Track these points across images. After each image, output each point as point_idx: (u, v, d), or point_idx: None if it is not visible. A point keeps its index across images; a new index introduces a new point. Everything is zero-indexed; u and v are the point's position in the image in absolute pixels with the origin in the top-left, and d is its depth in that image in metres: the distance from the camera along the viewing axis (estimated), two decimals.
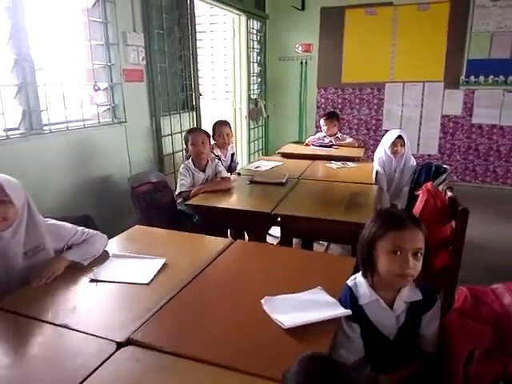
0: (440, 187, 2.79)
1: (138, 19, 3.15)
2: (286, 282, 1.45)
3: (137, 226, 1.99)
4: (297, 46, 5.84)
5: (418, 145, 5.60)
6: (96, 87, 2.75)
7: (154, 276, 1.46)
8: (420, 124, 5.53)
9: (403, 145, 3.20)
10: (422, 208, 2.12)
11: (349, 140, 4.15)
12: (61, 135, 2.55)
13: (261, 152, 5.96)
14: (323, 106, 5.91)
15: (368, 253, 1.23)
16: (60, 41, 2.55)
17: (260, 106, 5.62)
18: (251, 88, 5.44)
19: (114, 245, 1.78)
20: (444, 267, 2.16)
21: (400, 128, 5.55)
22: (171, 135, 3.63)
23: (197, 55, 3.96)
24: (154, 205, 2.61)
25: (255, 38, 5.53)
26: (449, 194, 2.31)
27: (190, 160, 2.69)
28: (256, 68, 5.67)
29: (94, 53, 2.92)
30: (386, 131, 5.86)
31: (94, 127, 2.82)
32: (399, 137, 3.18)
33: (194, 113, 4.03)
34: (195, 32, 3.91)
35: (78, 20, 2.81)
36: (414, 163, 3.28)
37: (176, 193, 2.57)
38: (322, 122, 4.18)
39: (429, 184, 2.25)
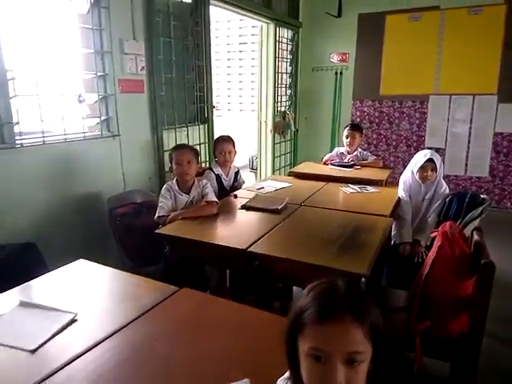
0: (468, 226, 2.29)
1: (139, 26, 2.94)
2: (210, 366, 1.09)
3: (80, 261, 1.71)
4: (332, 55, 5.43)
5: (466, 165, 4.94)
6: (81, 98, 2.56)
7: (49, 338, 1.16)
8: (468, 142, 4.88)
9: (435, 169, 2.66)
10: (434, 258, 1.66)
11: (372, 158, 3.67)
12: (36, 150, 2.37)
13: (289, 167, 5.57)
14: (358, 119, 5.43)
15: (290, 351, 0.81)
16: (45, 49, 2.39)
17: (288, 118, 5.25)
18: (279, 100, 5.10)
19: (35, 286, 1.51)
20: (463, 333, 1.67)
21: (444, 147, 4.96)
22: None
23: (211, 66, 3.70)
24: (131, 230, 2.34)
25: (287, 48, 5.21)
26: (475, 237, 1.82)
27: (175, 181, 2.39)
28: (287, 79, 5.33)
29: (89, 62, 2.75)
30: (429, 149, 5.32)
31: (78, 141, 2.62)
32: (430, 160, 2.66)
33: (206, 126, 3.77)
34: (209, 41, 3.65)
35: (70, 27, 2.65)
36: (447, 190, 2.74)
37: (155, 217, 2.28)
38: (344, 132, 3.73)
39: (447, 224, 1.77)
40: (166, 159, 3.28)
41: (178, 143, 3.37)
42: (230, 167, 3.10)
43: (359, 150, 3.75)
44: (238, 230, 2.16)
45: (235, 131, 7.21)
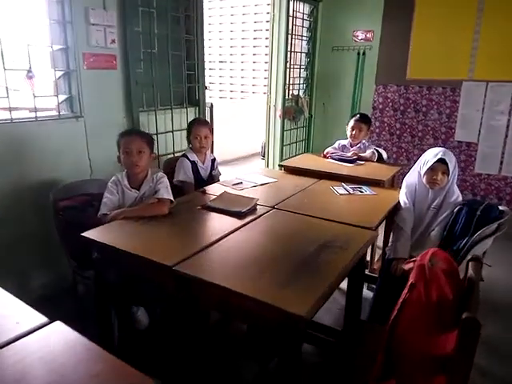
0: (476, 248, 1.82)
1: None
2: None
3: None
4: (355, 33, 4.86)
5: (501, 163, 4.30)
6: (30, 74, 2.25)
7: None
8: (506, 137, 4.23)
9: (446, 173, 2.16)
10: (404, 301, 1.22)
11: (369, 151, 3.17)
12: None
13: None
14: (381, 106, 4.87)
15: None
16: None
17: (302, 103, 4.78)
18: (291, 82, 4.63)
19: None
20: None
21: (477, 141, 4.34)
22: (156, 135, 3.04)
23: (203, 40, 3.31)
24: (74, 225, 2.03)
25: (303, 24, 4.70)
26: (469, 271, 1.37)
27: (124, 173, 2.05)
28: (303, 59, 4.84)
29: (54, 34, 2.44)
30: (459, 143, 4.70)
31: (29, 122, 2.33)
32: (442, 160, 2.15)
33: (197, 108, 3.40)
34: (202, 12, 3.25)
35: None
36: (459, 199, 2.24)
37: (98, 214, 1.97)
38: (350, 122, 3.25)
39: (429, 253, 1.32)
40: None
41: (157, 127, 3.04)
42: (205, 154, 2.75)
43: (363, 141, 3.26)
44: (182, 237, 1.79)
45: (246, 115, 6.82)
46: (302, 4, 4.57)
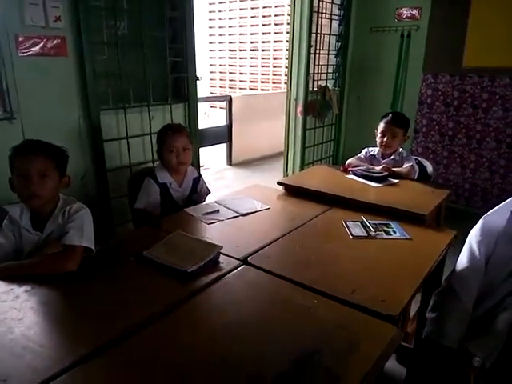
0: None
1: None
2: None
3: None
4: (398, 10, 3.96)
5: None
6: None
7: None
8: None
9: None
10: None
11: (407, 165, 2.31)
12: None
13: (329, 160, 4.33)
14: (429, 100, 3.96)
15: None
16: None
17: (330, 96, 3.97)
18: (317, 71, 3.83)
19: None
20: None
21: None
22: (126, 139, 2.40)
23: (192, 17, 2.60)
24: None
25: (334, 1, 3.87)
26: None
27: (25, 206, 1.40)
28: (332, 43, 4.02)
29: None
30: None
31: None
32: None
33: (186, 105, 2.72)
34: None
35: None
36: None
37: None
38: (380, 126, 2.41)
39: None
40: (107, 150, 2.34)
41: (127, 130, 2.39)
42: (185, 172, 2.05)
43: (399, 149, 2.42)
44: (81, 324, 1.12)
45: (271, 109, 6.04)
46: None
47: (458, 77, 3.76)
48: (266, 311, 1.16)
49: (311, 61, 3.69)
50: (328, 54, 3.98)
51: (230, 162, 5.70)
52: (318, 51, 3.77)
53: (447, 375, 1.34)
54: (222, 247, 1.41)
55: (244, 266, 1.38)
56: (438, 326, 1.40)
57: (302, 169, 3.90)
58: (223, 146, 5.69)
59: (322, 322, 1.07)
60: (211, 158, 5.77)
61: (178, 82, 2.67)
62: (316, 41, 3.71)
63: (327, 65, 4.00)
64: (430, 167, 2.49)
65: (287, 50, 4.16)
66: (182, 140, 1.98)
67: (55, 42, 2.02)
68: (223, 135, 5.48)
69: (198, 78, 2.71)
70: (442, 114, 3.93)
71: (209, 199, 2.15)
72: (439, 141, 4.00)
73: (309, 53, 3.64)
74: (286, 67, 4.10)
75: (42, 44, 1.98)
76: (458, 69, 3.72)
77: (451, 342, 1.34)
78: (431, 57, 3.86)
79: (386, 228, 1.68)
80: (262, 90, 6.77)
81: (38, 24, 1.94)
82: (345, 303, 1.15)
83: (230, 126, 5.50)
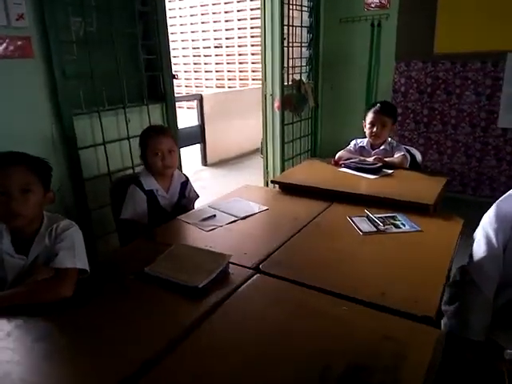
0: None
1: None
2: None
3: None
4: (367, 0, 3.94)
5: None
6: None
7: None
8: None
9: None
10: None
11: (398, 154, 2.27)
12: None
13: (307, 154, 4.27)
14: (403, 88, 3.97)
15: None
16: None
17: (305, 90, 3.91)
18: (291, 64, 3.75)
19: None
20: None
21: None
22: (103, 145, 2.23)
23: (165, 13, 2.45)
24: None
25: None
26: None
27: (5, 228, 1.23)
28: (303, 36, 3.95)
29: None
30: (504, 130, 3.78)
31: None
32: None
33: (164, 105, 2.56)
34: None
35: None
36: None
37: None
38: (368, 116, 2.34)
39: None
40: (83, 158, 2.16)
41: (104, 135, 2.22)
42: (171, 176, 1.92)
43: (388, 139, 2.37)
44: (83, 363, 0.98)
45: (244, 106, 5.95)
46: None
47: (430, 63, 3.79)
48: (292, 324, 1.06)
49: (285, 54, 3.61)
50: (301, 47, 3.91)
51: (205, 162, 5.55)
52: (291, 44, 3.69)
53: (478, 370, 1.29)
54: (231, 256, 1.30)
55: (257, 274, 1.27)
56: (460, 320, 1.35)
57: (282, 164, 3.82)
58: (197, 147, 5.53)
59: (362, 333, 0.98)
60: (185, 159, 5.58)
61: (154, 81, 2.51)
62: (288, 33, 3.63)
63: (300, 58, 3.93)
64: (418, 155, 2.47)
65: (252, 45, 4.06)
66: (167, 142, 1.84)
67: (19, 42, 1.83)
68: (196, 136, 5.32)
69: (174, 76, 2.56)
70: (416, 101, 3.95)
71: (197, 204, 2.03)
72: (415, 128, 4.03)
73: (282, 46, 3.55)
74: (253, 63, 4.01)
75: (4, 46, 1.78)
76: (430, 55, 3.75)
77: (478, 335, 1.29)
78: (403, 45, 3.87)
79: (393, 221, 1.62)
80: (230, 87, 6.69)
81: None
82: (376, 307, 1.07)
83: (202, 126, 5.34)
